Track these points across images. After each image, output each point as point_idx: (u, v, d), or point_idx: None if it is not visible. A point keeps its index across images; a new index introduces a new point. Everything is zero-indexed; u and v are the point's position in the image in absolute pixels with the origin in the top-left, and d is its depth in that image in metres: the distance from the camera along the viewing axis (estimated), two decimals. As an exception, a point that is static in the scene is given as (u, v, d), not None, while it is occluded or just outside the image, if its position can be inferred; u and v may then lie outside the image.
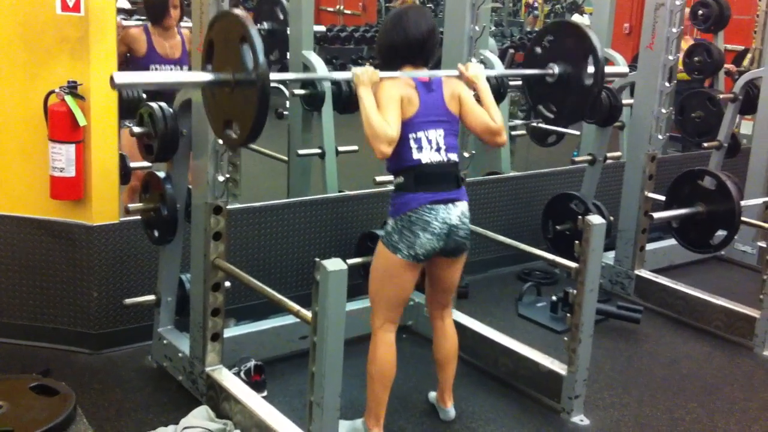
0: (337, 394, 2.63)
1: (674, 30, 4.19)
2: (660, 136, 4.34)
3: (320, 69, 4.47)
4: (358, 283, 3.95)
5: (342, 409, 2.78)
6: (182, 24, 4.60)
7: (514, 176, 5.17)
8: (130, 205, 3.36)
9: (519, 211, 5.00)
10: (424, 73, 2.95)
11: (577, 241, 3.24)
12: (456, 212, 2.93)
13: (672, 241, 4.76)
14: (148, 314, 3.63)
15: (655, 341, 4.13)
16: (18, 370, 3.41)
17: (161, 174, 3.30)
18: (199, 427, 2.96)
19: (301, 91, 4.46)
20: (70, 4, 3.34)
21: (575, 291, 3.28)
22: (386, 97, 2.83)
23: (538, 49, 3.43)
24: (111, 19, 3.44)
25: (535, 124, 5.94)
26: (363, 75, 2.81)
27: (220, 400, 3.13)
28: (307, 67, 4.50)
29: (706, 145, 5.14)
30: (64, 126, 3.37)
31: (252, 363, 3.39)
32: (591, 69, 3.24)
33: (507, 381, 3.59)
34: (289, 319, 3.66)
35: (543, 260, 3.66)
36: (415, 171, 2.89)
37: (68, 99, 3.35)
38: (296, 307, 2.76)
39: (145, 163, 3.77)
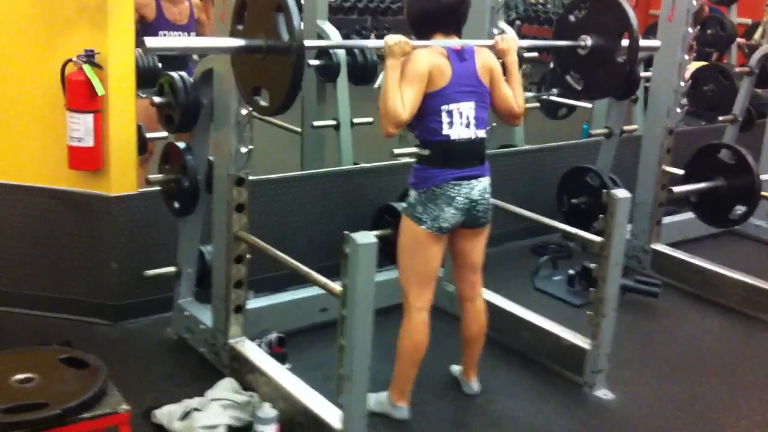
0: (367, 368, 2.62)
1: (694, 2, 4.13)
2: (678, 110, 4.30)
3: (335, 39, 4.41)
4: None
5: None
6: None
7: (528, 149, 5.13)
8: (150, 176, 3.32)
9: (533, 184, 4.96)
10: (457, 42, 2.88)
11: (601, 215, 3.21)
12: (479, 187, 2.92)
13: (686, 215, 4.78)
14: (166, 286, 3.60)
15: (674, 316, 4.13)
16: (37, 341, 3.37)
17: (181, 145, 3.26)
18: (225, 399, 2.93)
19: (316, 62, 4.41)
20: (89, -28, 3.27)
21: (595, 265, 3.26)
22: (412, 72, 2.76)
23: (572, 18, 3.34)
24: (129, -12, 3.39)
25: (546, 97, 5.90)
26: (395, 46, 2.72)
27: (244, 372, 3.11)
28: (321, 36, 4.44)
29: (721, 119, 5.10)
30: (82, 95, 3.32)
31: (274, 335, 3.37)
32: (625, 44, 3.16)
33: (528, 355, 3.58)
34: (309, 292, 3.66)
35: (561, 233, 3.64)
36: (443, 146, 2.85)
37: (86, 68, 3.29)
38: (323, 279, 2.74)
39: (162, 134, 3.75)
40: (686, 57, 4.23)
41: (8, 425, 2.13)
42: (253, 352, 3.15)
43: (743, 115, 5.12)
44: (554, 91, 5.87)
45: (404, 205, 2.98)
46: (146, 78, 3.66)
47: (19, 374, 2.31)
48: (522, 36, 7.92)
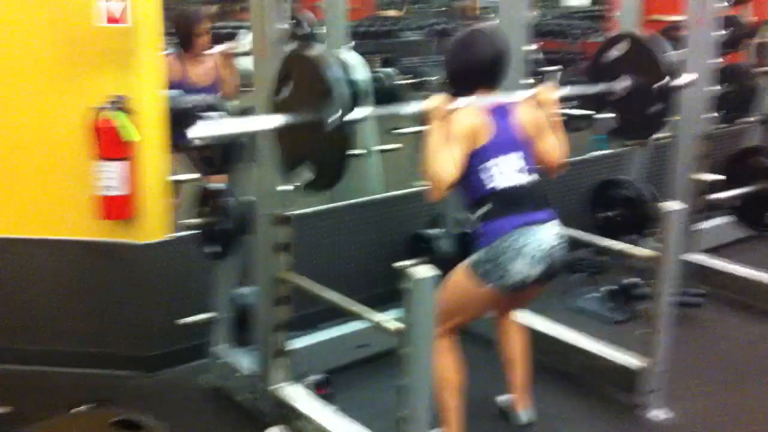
0: (429, 408, 2.53)
1: (721, 5, 4.08)
2: (712, 115, 4.22)
3: (359, 68, 4.34)
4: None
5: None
6: (213, 50, 4.57)
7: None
8: (188, 221, 3.24)
9: (562, 198, 4.88)
10: (498, 97, 2.85)
11: (649, 229, 3.14)
12: (550, 232, 2.78)
13: (717, 220, 4.69)
14: (199, 333, 3.51)
15: (722, 325, 4.05)
16: (73, 399, 3.26)
17: (220, 186, 3.19)
18: (276, 449, 2.86)
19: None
20: (117, 15, 3.20)
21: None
22: (457, 132, 2.72)
23: (606, 58, 3.37)
24: (158, 29, 3.33)
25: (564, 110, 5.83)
26: (436, 110, 2.71)
27: (291, 419, 3.02)
28: (344, 66, 4.37)
29: (752, 119, 5.02)
30: (114, 142, 3.25)
31: (318, 376, 3.28)
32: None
33: (576, 378, 3.49)
34: (347, 328, 3.60)
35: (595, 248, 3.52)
36: (498, 196, 2.76)
37: (117, 114, 3.23)
38: (379, 317, 2.66)
39: (189, 176, 3.69)
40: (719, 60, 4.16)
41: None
42: (299, 397, 3.06)
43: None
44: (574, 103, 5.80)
45: (469, 260, 2.80)
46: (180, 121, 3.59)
47: (74, 441, 2.23)
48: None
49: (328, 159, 2.47)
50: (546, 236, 2.75)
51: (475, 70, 2.84)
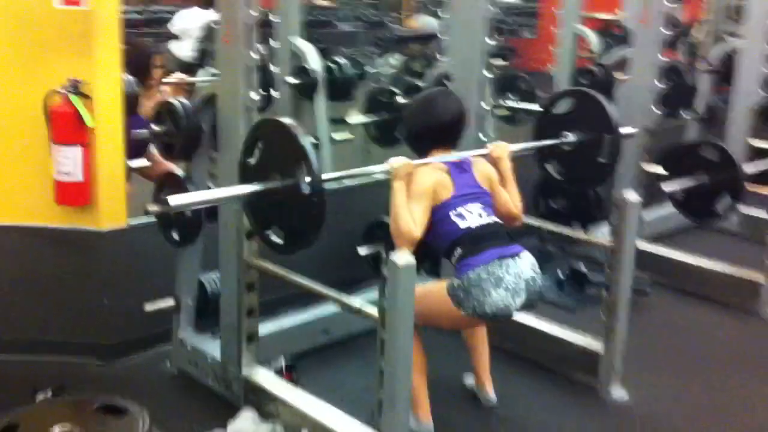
0: (408, 391, 2.56)
1: (666, 2, 4.22)
2: (655, 109, 4.37)
3: (311, 56, 4.33)
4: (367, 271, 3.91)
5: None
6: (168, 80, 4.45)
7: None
8: (149, 207, 3.18)
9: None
10: (454, 156, 2.99)
11: (611, 219, 3.24)
12: (526, 264, 2.85)
13: (657, 212, 4.86)
14: (158, 320, 3.46)
15: (666, 311, 4.19)
16: (29, 387, 3.19)
17: (180, 173, 3.15)
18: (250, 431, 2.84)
19: (293, 80, 4.32)
20: (72, -3, 3.13)
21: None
22: (418, 191, 2.85)
23: (555, 111, 3.52)
24: (116, 12, 3.25)
25: (503, 103, 5.92)
26: (400, 168, 2.82)
27: (262, 402, 3.01)
28: (295, 54, 4.36)
29: (687, 116, 5.22)
30: (69, 127, 3.18)
31: (283, 362, 3.28)
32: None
33: (539, 362, 3.57)
34: (311, 314, 3.62)
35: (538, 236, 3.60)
36: (470, 236, 2.85)
37: (73, 98, 3.15)
38: (359, 304, 2.68)
39: (144, 162, 3.64)
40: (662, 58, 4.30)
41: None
42: (271, 381, 3.06)
43: (706, 112, 5.27)
44: (511, 96, 5.91)
45: (448, 283, 2.85)
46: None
47: (57, 426, 2.17)
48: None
49: (299, 225, 2.56)
50: (523, 267, 2.84)
51: (434, 132, 3.02)
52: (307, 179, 2.45)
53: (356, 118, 4.65)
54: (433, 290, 2.86)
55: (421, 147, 3.04)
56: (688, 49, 7.00)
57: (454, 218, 2.88)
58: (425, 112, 3.04)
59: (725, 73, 5.20)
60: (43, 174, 3.28)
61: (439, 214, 2.88)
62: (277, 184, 2.54)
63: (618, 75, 4.91)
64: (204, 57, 8.43)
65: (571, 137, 3.43)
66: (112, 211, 3.37)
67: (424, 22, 10.58)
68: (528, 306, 2.87)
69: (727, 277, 4.29)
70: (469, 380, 3.34)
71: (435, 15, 12.24)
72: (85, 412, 2.28)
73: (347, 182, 4.31)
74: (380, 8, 16.49)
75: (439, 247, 2.94)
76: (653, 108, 4.35)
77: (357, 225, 3.92)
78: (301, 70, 4.32)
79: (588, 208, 4.51)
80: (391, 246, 3.71)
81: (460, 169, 2.98)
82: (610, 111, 3.39)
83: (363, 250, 3.71)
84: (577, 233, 3.63)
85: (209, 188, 3.16)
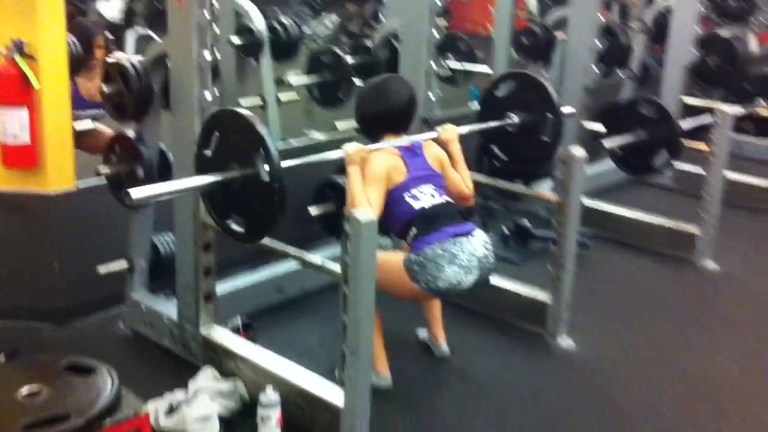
0: (371, 343, 2.63)
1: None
2: (595, 68, 4.49)
3: (255, 15, 4.31)
4: (316, 230, 3.95)
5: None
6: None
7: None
8: (100, 168, 3.15)
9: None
10: (406, 140, 3.07)
11: (559, 173, 3.34)
12: (479, 242, 2.94)
13: (594, 168, 5.00)
14: (108, 282, 3.44)
15: (607, 264, 4.35)
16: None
17: (131, 134, 3.12)
18: (211, 389, 2.87)
19: (237, 40, 4.29)
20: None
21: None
22: (373, 175, 2.93)
23: (497, 93, 3.60)
24: (59, -29, 3.18)
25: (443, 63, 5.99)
26: (354, 154, 2.88)
27: (222, 360, 3.04)
28: (238, 14, 4.33)
29: (621, 75, 5.35)
30: (15, 89, 3.12)
31: (238, 320, 3.31)
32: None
33: (488, 314, 3.67)
34: (264, 274, 3.66)
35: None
36: (423, 215, 2.94)
37: (19, 59, 3.08)
38: (320, 260, 2.73)
39: (88, 125, 3.60)
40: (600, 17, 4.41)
41: (33, 442, 2.01)
42: (230, 339, 3.09)
43: (640, 70, 5.42)
44: (450, 56, 5.97)
45: (405, 257, 2.92)
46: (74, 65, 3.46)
47: (25, 387, 2.17)
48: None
49: (260, 213, 2.58)
50: (476, 245, 2.92)
51: (386, 118, 3.10)
52: (267, 167, 2.48)
53: (298, 78, 4.67)
54: (391, 260, 2.92)
55: (374, 132, 3.13)
56: (620, 9, 7.17)
57: (408, 199, 2.96)
58: (377, 99, 3.11)
59: (658, 32, 5.35)
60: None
61: (393, 196, 2.96)
62: (235, 174, 2.57)
63: (559, 34, 5.01)
64: (131, 17, 8.29)
65: (515, 118, 3.53)
66: (60, 173, 3.33)
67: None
68: (480, 284, 2.95)
69: (664, 229, 4.47)
70: (422, 333, 3.43)
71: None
72: (51, 371, 2.27)
73: (295, 143, 4.35)
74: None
75: (394, 228, 3.01)
76: (593, 67, 4.46)
77: (308, 185, 3.96)
78: (245, 30, 4.30)
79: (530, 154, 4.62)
80: (341, 205, 3.79)
81: (412, 152, 3.07)
82: (551, 92, 3.51)
83: (314, 210, 3.76)
84: (526, 189, 3.72)
85: (160, 149, 3.16)
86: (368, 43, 4.40)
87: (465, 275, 2.86)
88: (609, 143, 4.07)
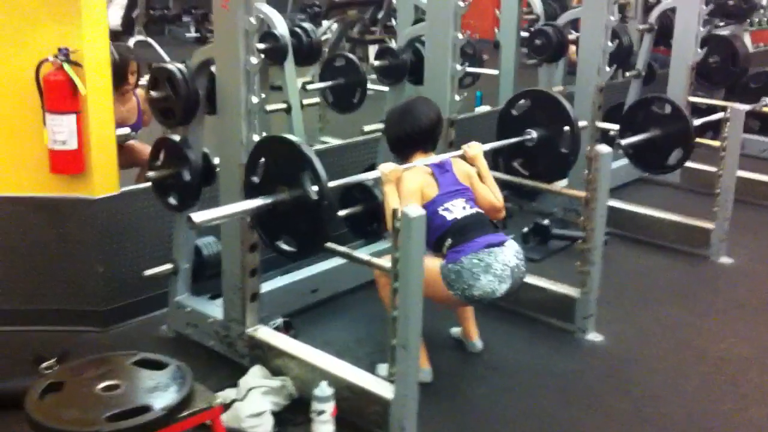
0: (419, 337, 2.74)
1: (618, -33, 4.45)
2: (607, 68, 4.62)
3: (278, 21, 4.39)
4: (344, 232, 4.06)
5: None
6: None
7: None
8: (150, 173, 3.24)
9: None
10: (436, 159, 3.23)
11: (586, 171, 3.47)
12: (511, 252, 3.08)
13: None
14: (151, 285, 3.54)
15: (622, 259, 4.48)
16: (28, 357, 3.24)
17: (176, 138, 3.21)
18: (263, 386, 2.96)
19: (261, 45, 4.38)
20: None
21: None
22: (408, 191, 3.08)
23: (514, 112, 3.80)
24: (102, -21, 3.27)
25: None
26: (390, 174, 3.07)
27: (270, 358, 3.14)
28: (263, 21, 4.41)
29: (627, 74, 5.49)
30: (63, 96, 3.20)
31: (280, 320, 3.41)
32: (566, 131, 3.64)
33: (518, 310, 3.78)
34: (299, 275, 3.75)
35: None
36: (458, 226, 3.08)
37: (66, 67, 3.17)
38: (368, 257, 2.84)
39: (126, 130, 3.69)
40: (612, 18, 4.54)
41: (118, 432, 2.11)
42: (276, 338, 3.19)
43: (645, 70, 5.56)
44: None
45: (441, 264, 3.04)
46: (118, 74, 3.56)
47: (102, 382, 2.27)
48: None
49: (310, 231, 2.74)
50: (509, 255, 3.06)
51: (415, 137, 3.25)
52: (315, 188, 2.64)
53: (313, 84, 4.79)
54: (428, 266, 2.98)
55: (404, 152, 3.29)
56: (619, 9, 7.30)
57: (442, 212, 3.10)
58: (407, 120, 3.27)
59: (661, 32, 5.49)
60: (34, 144, 3.30)
61: (427, 211, 3.02)
62: (284, 197, 2.73)
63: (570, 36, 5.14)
64: (130, 25, 8.38)
65: (534, 134, 3.71)
66: (105, 177, 3.41)
67: (356, -13, 10.67)
68: (511, 292, 3.09)
69: (678, 225, 4.61)
70: (455, 331, 3.54)
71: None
72: (124, 367, 2.36)
73: (319, 147, 4.46)
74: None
75: (429, 242, 3.07)
76: (606, 68, 4.60)
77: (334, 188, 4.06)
78: (269, 36, 4.38)
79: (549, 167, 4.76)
80: (368, 206, 3.91)
81: (442, 169, 3.21)
82: (566, 106, 3.69)
83: (342, 212, 3.88)
84: (552, 187, 3.85)
85: (205, 153, 3.26)
86: (395, 45, 4.48)
87: (499, 284, 3.00)
88: (625, 142, 4.21)
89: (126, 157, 3.88)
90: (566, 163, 3.74)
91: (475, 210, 3.16)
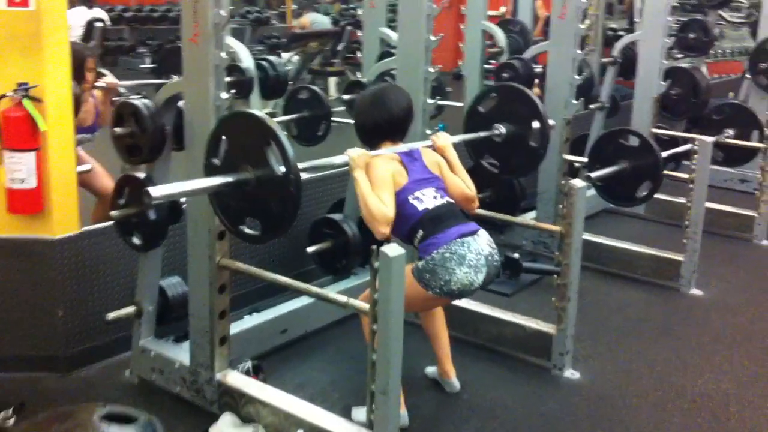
0: (399, 381, 2.64)
1: (584, 0, 4.46)
2: (574, 102, 4.61)
3: (243, 54, 4.33)
4: (311, 268, 3.97)
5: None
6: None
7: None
8: (114, 212, 3.11)
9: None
10: (405, 147, 3.17)
11: (561, 205, 3.42)
12: (484, 240, 3.02)
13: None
14: (114, 328, 3.40)
15: (595, 293, 4.43)
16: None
17: (141, 175, 3.10)
18: (233, 436, 2.84)
19: (228, 78, 4.29)
20: (17, -2, 3.03)
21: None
22: (379, 177, 2.98)
23: (481, 109, 3.76)
24: (64, 13, 3.16)
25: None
26: (358, 158, 2.96)
27: (240, 405, 3.00)
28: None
29: (591, 106, 5.51)
30: (23, 132, 3.07)
31: (249, 363, 3.28)
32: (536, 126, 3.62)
33: (489, 347, 3.71)
34: (268, 315, 3.63)
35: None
36: (429, 216, 3.00)
37: (26, 103, 3.04)
38: (344, 298, 2.73)
39: (86, 167, 3.55)
40: (579, 52, 4.54)
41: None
42: (247, 383, 3.05)
43: (609, 102, 5.58)
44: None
45: (413, 266, 2.97)
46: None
47: (68, 440, 2.13)
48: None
49: (276, 209, 2.57)
50: (482, 244, 3.00)
51: (385, 126, 3.16)
52: (280, 159, 2.47)
53: (277, 117, 4.71)
54: None
55: (372, 140, 3.18)
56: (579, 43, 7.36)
57: (412, 201, 3.01)
58: (377, 107, 3.16)
59: (624, 64, 5.53)
60: (-12, 183, 3.16)
61: (399, 199, 3.01)
62: (248, 175, 2.56)
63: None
64: (88, 37, 8.39)
65: (502, 129, 3.67)
66: (65, 217, 3.28)
67: (315, 20, 10.69)
68: (488, 281, 3.02)
69: (648, 257, 4.59)
70: (431, 370, 3.44)
71: (323, 12, 12.33)
72: (91, 422, 2.23)
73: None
74: (257, 3, 16.40)
75: (400, 233, 3.05)
76: (573, 100, 4.59)
77: (302, 224, 3.97)
78: (235, 69, 4.31)
79: (513, 198, 4.74)
80: (338, 241, 3.82)
81: (411, 157, 3.14)
82: (535, 100, 3.66)
83: (311, 249, 3.79)
84: (528, 221, 3.80)
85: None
86: (362, 79, 4.42)
87: (475, 275, 2.93)
88: (595, 175, 4.18)
89: (84, 179, 3.70)
90: (536, 156, 3.71)
91: (446, 200, 3.08)
